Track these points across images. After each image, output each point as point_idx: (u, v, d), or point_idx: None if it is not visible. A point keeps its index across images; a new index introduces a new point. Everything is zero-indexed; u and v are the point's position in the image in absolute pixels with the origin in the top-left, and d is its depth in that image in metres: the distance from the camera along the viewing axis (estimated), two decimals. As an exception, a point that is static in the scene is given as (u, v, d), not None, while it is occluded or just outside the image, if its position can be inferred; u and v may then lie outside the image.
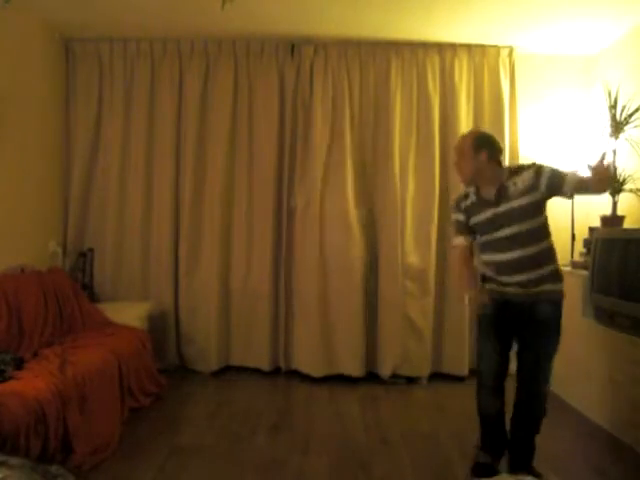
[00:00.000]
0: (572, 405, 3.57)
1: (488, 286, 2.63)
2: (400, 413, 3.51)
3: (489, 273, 2.61)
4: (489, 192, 2.53)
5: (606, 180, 2.37)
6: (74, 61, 4.32)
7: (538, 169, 2.45)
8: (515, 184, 2.47)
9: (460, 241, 2.69)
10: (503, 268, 2.51)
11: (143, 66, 4.29)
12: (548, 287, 2.48)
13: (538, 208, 2.47)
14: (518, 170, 2.52)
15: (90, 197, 4.33)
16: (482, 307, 2.59)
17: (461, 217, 2.66)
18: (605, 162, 2.28)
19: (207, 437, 3.02)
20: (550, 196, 2.46)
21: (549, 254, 2.51)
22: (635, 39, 3.79)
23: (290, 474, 2.61)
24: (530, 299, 2.48)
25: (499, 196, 2.49)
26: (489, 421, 2.66)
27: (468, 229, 2.66)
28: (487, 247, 2.58)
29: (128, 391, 3.22)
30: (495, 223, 2.51)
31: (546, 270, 2.48)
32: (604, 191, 2.50)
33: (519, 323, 2.52)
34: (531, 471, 2.50)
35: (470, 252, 2.70)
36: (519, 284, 2.48)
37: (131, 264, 4.30)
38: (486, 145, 2.54)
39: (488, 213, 2.53)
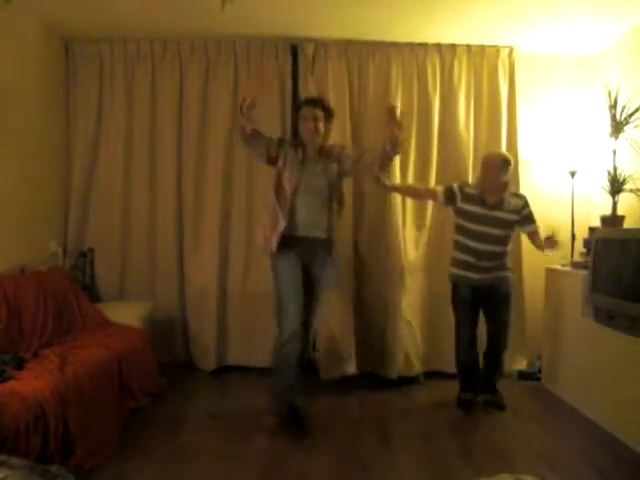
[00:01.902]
0: (571, 404, 3.57)
1: (462, 273, 3.47)
2: (400, 412, 3.51)
3: (467, 257, 3.43)
4: (490, 198, 3.40)
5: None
6: (74, 61, 4.32)
7: (525, 203, 3.47)
8: (509, 203, 3.41)
9: (439, 188, 3.60)
10: (479, 255, 3.41)
11: (143, 66, 4.29)
12: (505, 273, 3.50)
13: (512, 225, 3.45)
14: (515, 195, 3.52)
15: (91, 197, 4.33)
16: None
17: (456, 191, 3.48)
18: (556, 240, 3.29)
19: (207, 437, 3.02)
20: (519, 224, 3.46)
21: (507, 253, 3.50)
22: (635, 39, 3.79)
23: (290, 474, 2.61)
24: (492, 282, 3.45)
25: (495, 205, 3.39)
26: (468, 369, 3.59)
27: (450, 198, 3.49)
28: (470, 235, 3.42)
29: (128, 391, 3.22)
30: (481, 219, 3.39)
31: (504, 261, 3.48)
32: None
33: (485, 299, 3.50)
34: (495, 390, 3.60)
35: (424, 194, 3.89)
36: (486, 268, 3.42)
37: (134, 263, 4.31)
38: (508, 168, 3.41)
39: (478, 209, 3.41)
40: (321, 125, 3.19)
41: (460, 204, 3.47)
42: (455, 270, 3.53)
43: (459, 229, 3.50)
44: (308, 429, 3.09)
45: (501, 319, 3.51)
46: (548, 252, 3.35)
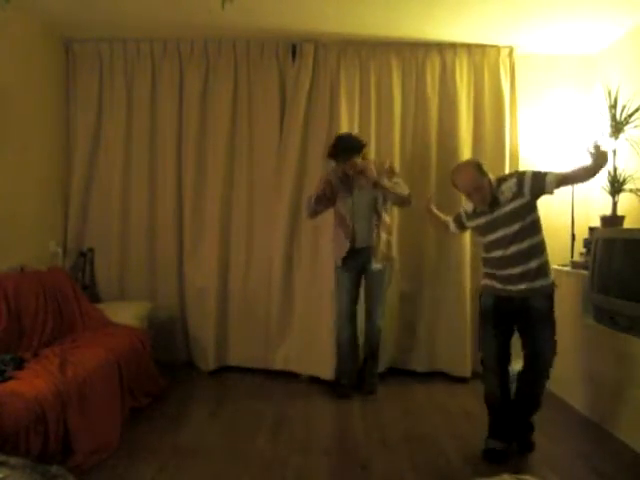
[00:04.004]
0: (572, 405, 3.57)
1: (488, 282, 2.94)
2: (400, 413, 3.51)
3: (490, 269, 2.92)
4: (483, 206, 2.87)
5: (602, 166, 2.67)
6: (74, 61, 4.32)
7: (520, 176, 2.80)
8: (503, 193, 2.80)
9: (449, 220, 3.24)
10: (501, 262, 2.82)
11: (143, 66, 4.29)
12: (539, 282, 2.79)
13: (527, 210, 2.78)
14: (504, 179, 2.87)
15: (91, 197, 4.34)
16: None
17: (462, 214, 3.11)
18: (602, 148, 2.62)
19: (207, 437, 3.02)
20: (536, 198, 2.80)
21: (539, 248, 2.81)
22: (635, 39, 3.79)
23: (290, 474, 2.61)
24: (525, 294, 2.78)
25: (492, 205, 2.83)
26: (496, 405, 2.88)
27: (460, 224, 3.16)
28: (487, 246, 2.92)
29: (128, 391, 3.22)
30: (490, 226, 2.86)
31: (536, 263, 2.78)
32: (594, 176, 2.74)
33: (517, 316, 2.83)
34: (530, 429, 2.91)
35: (440, 226, 3.33)
36: (514, 277, 2.79)
37: (134, 263, 4.31)
38: (483, 172, 2.83)
39: (483, 219, 2.90)
40: (359, 161, 3.64)
41: (468, 224, 3.09)
42: (485, 280, 2.99)
43: (481, 245, 3.08)
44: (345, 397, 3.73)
45: (536, 340, 2.81)
46: (600, 162, 2.64)
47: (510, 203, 2.78)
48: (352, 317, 3.85)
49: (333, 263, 3.88)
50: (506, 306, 2.84)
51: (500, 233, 2.82)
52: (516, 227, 2.77)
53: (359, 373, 3.94)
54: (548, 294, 2.81)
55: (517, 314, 2.83)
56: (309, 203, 3.75)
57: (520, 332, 2.87)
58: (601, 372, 3.27)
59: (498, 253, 2.83)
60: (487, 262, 2.95)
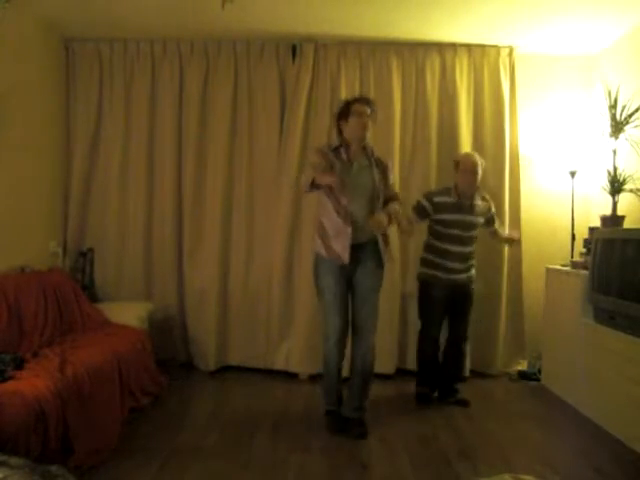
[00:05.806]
0: (572, 405, 3.57)
1: (432, 272, 3.53)
2: (400, 412, 3.51)
3: (438, 259, 3.50)
4: (466, 202, 3.47)
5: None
6: (74, 61, 4.32)
7: (489, 205, 3.61)
8: (479, 206, 3.52)
9: (414, 217, 3.54)
10: (452, 256, 3.49)
11: (143, 66, 4.29)
12: (473, 272, 3.61)
13: (479, 225, 3.56)
14: (482, 197, 3.58)
15: (90, 197, 4.34)
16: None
17: (426, 205, 3.50)
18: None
19: (207, 437, 3.02)
20: (485, 224, 3.62)
21: (474, 253, 3.60)
22: (635, 39, 3.79)
23: (290, 474, 2.61)
24: (463, 281, 3.55)
25: (469, 209, 3.48)
26: (431, 363, 3.66)
27: (422, 214, 3.52)
28: (446, 239, 3.48)
29: (128, 391, 3.22)
30: (458, 225, 3.47)
31: (471, 262, 3.58)
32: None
33: (454, 298, 3.57)
34: (457, 390, 3.69)
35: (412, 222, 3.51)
36: (459, 270, 3.51)
37: (134, 263, 4.31)
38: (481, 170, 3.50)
39: (457, 216, 3.46)
40: (370, 123, 3.12)
41: (435, 216, 3.50)
42: (429, 271, 3.55)
43: (435, 234, 3.54)
44: (339, 432, 3.12)
45: (466, 317, 3.65)
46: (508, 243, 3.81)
47: (477, 217, 3.52)
48: (344, 337, 3.12)
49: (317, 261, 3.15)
50: (451, 295, 3.54)
51: (462, 233, 3.46)
52: (473, 233, 3.52)
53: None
54: (473, 281, 3.64)
55: (455, 298, 3.56)
56: (305, 186, 3.00)
57: (452, 312, 3.61)
58: (600, 372, 3.26)
59: (454, 248, 3.47)
60: (438, 252, 3.50)
